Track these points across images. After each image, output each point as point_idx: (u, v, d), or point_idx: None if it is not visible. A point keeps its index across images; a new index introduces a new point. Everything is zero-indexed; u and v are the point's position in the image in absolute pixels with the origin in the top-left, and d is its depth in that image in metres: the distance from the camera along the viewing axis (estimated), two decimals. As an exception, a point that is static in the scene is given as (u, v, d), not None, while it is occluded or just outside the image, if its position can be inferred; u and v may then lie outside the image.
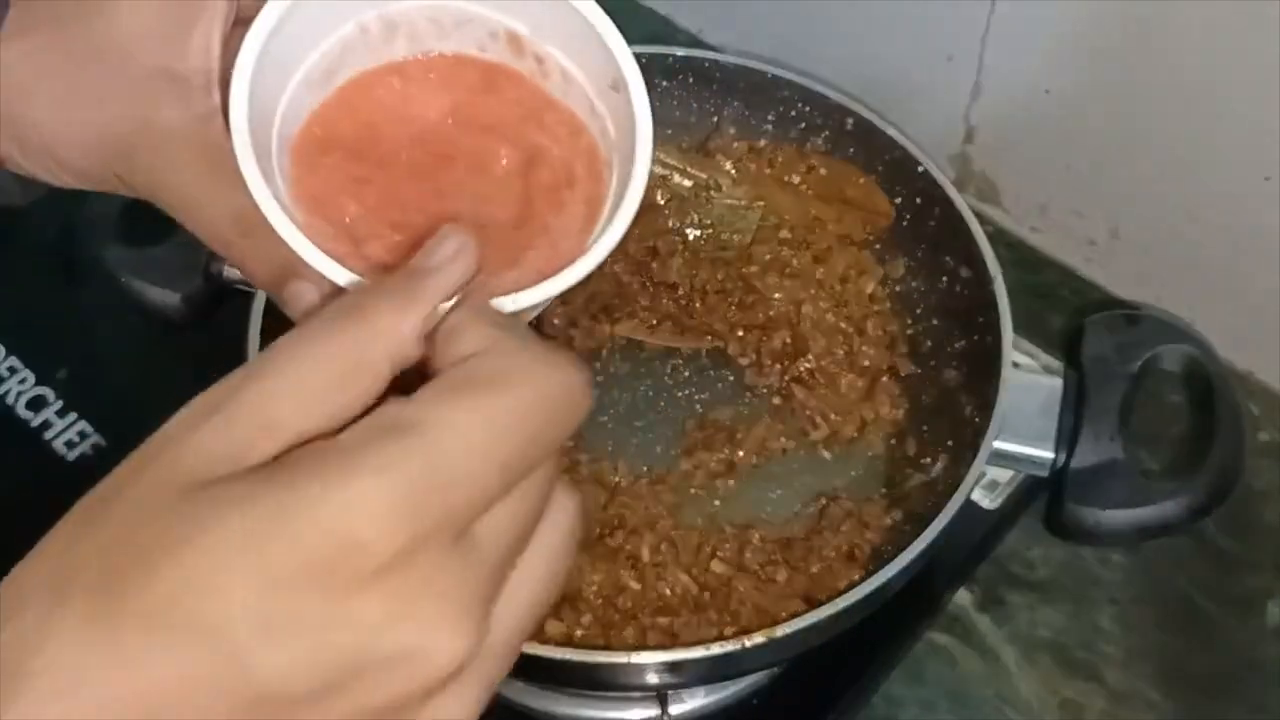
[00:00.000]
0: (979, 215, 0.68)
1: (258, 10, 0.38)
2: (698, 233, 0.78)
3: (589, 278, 0.41)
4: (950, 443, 0.66)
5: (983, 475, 0.61)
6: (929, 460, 0.67)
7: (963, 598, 0.70)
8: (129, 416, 0.75)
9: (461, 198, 0.41)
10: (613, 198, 0.43)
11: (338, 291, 0.37)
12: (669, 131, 0.78)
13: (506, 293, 0.37)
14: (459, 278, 0.32)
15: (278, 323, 0.68)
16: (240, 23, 0.44)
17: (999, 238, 0.85)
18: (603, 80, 0.42)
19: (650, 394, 0.72)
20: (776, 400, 0.71)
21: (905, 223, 0.74)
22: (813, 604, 0.57)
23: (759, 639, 0.54)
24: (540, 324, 0.73)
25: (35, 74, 0.43)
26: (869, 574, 0.57)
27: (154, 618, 0.25)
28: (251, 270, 0.40)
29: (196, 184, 0.39)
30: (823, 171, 0.76)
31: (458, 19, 0.42)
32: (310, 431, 0.28)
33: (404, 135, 0.42)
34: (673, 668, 0.55)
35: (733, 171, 0.78)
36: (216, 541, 0.26)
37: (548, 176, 0.43)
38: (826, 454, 0.70)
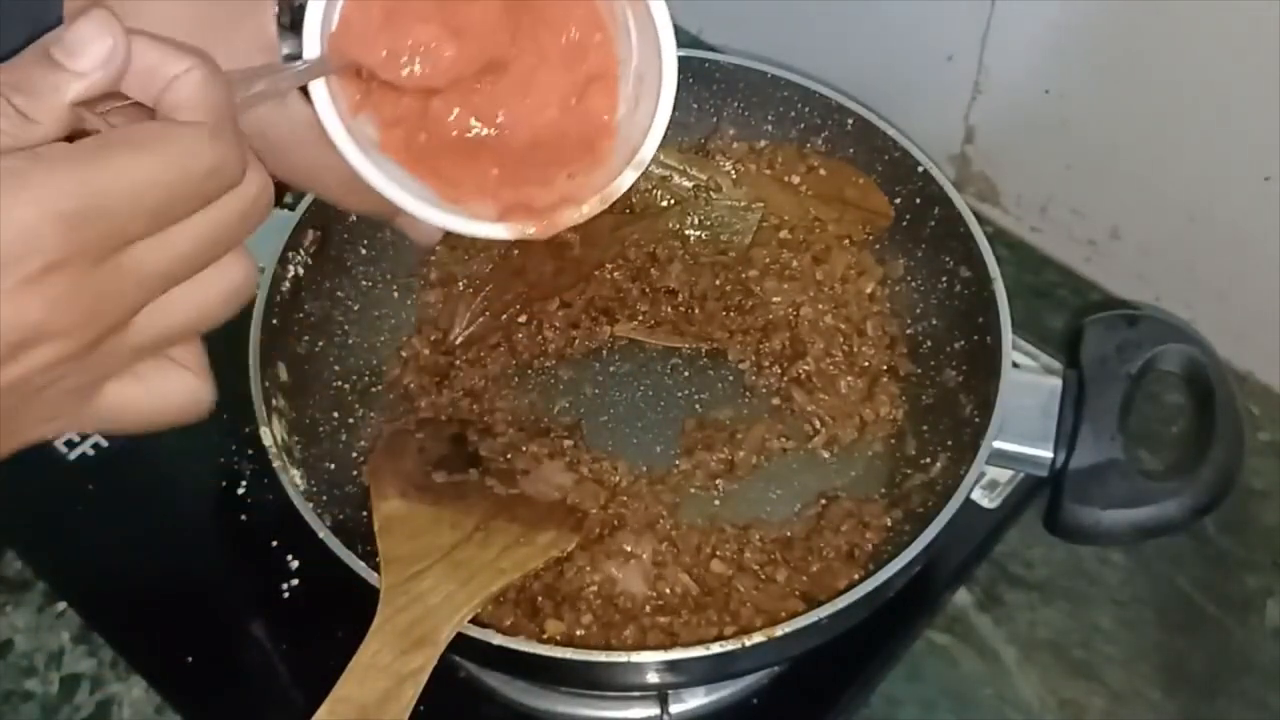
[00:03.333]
0: (979, 215, 0.68)
1: None
2: (697, 234, 0.78)
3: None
4: (950, 443, 0.66)
5: (982, 475, 0.61)
6: (929, 460, 0.67)
7: (963, 598, 0.70)
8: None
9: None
10: (634, 93, 0.48)
11: None
12: (668, 132, 0.77)
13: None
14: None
15: (279, 322, 0.68)
16: None
17: (999, 238, 0.85)
18: None
19: (650, 394, 0.72)
20: (776, 400, 0.72)
21: (905, 223, 0.74)
22: (813, 604, 0.57)
23: (759, 639, 0.54)
24: (541, 326, 0.74)
25: None
26: (869, 574, 0.57)
27: None
28: (363, 212, 0.49)
29: (299, 163, 0.46)
30: (822, 172, 0.76)
31: None
32: None
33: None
34: (673, 667, 0.55)
35: (732, 172, 0.78)
36: None
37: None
38: (826, 454, 0.70)
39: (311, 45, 0.44)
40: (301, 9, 0.44)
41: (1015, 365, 0.63)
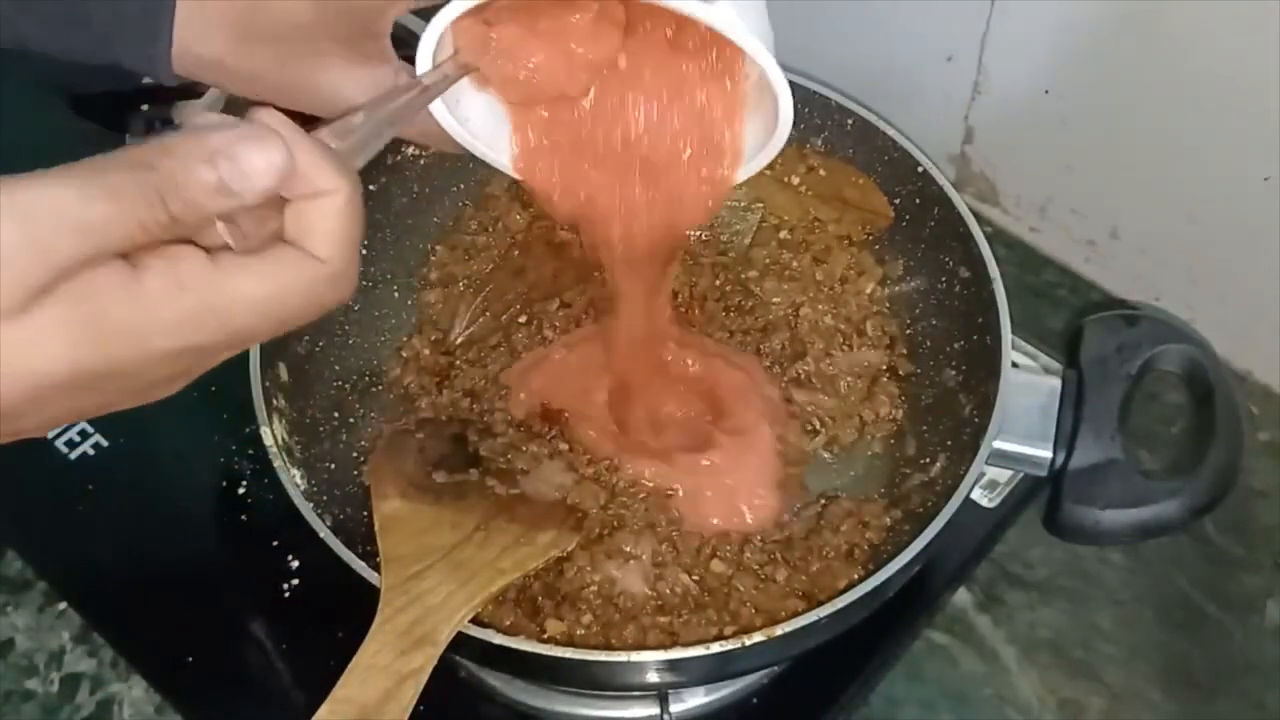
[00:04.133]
0: (978, 215, 0.68)
1: None
2: (697, 234, 0.78)
3: None
4: (950, 443, 0.66)
5: (982, 475, 0.61)
6: (929, 460, 0.67)
7: (962, 598, 0.70)
8: (129, 418, 0.76)
9: None
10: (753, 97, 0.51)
11: None
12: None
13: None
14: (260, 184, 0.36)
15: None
16: None
17: (998, 238, 0.85)
18: None
19: (650, 394, 0.72)
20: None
21: (904, 223, 0.74)
22: (813, 603, 0.57)
23: (759, 638, 0.54)
24: (541, 326, 0.73)
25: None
26: (869, 574, 0.57)
27: None
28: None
29: (409, 133, 0.50)
30: (822, 172, 0.76)
31: None
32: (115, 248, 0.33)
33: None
34: (673, 667, 0.55)
35: (732, 172, 0.78)
36: None
37: None
38: (826, 454, 0.70)
39: (424, 63, 0.46)
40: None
41: (1015, 365, 0.63)
